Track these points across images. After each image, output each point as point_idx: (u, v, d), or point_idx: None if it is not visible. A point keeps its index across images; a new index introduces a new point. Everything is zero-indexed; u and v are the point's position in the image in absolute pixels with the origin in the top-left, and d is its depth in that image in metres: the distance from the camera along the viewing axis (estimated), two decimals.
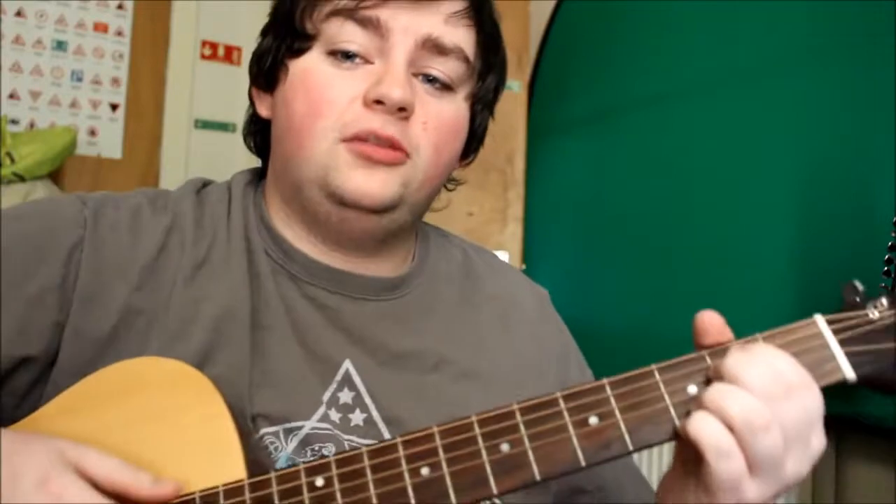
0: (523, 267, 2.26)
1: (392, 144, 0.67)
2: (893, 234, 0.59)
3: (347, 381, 0.70)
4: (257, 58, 0.75)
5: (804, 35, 1.59)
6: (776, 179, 1.60)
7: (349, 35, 0.68)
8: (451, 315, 0.77)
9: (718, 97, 1.78)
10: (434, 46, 0.69)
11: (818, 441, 0.54)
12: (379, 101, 0.66)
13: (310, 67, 0.69)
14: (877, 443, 1.48)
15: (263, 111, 0.76)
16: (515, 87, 2.21)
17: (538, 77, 2.42)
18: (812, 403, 0.53)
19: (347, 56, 0.68)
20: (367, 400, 0.70)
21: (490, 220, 2.20)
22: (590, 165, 2.20)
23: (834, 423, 1.57)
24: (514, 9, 2.21)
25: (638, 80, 2.04)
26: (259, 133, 0.79)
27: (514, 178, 2.20)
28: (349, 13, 0.68)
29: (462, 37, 0.71)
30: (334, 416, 0.68)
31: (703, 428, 0.51)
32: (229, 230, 0.72)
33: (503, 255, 2.15)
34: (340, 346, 0.71)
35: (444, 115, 0.70)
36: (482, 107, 0.77)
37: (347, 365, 0.70)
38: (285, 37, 0.71)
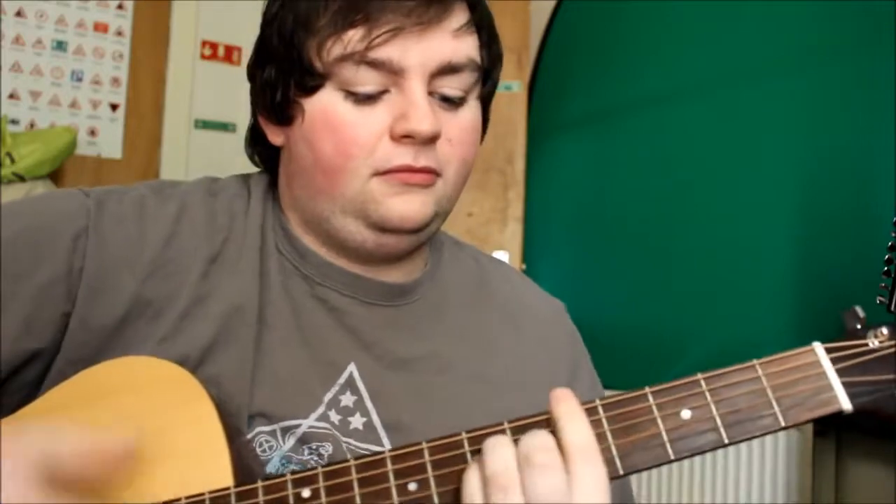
0: (523, 267, 2.26)
1: (425, 169, 0.68)
2: (893, 234, 0.59)
3: (351, 385, 0.70)
4: (262, 88, 0.72)
5: (804, 35, 1.59)
6: (776, 179, 1.60)
7: (364, 79, 0.67)
8: (460, 318, 0.78)
9: (718, 97, 1.78)
10: (448, 68, 0.69)
11: None
12: (408, 136, 0.67)
13: (328, 108, 0.68)
14: (877, 443, 1.48)
15: (276, 140, 0.74)
16: (515, 87, 2.21)
17: (538, 77, 2.42)
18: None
19: (368, 97, 0.68)
20: (369, 405, 0.70)
21: (490, 220, 2.21)
22: (590, 165, 2.20)
23: (834, 423, 1.57)
24: (514, 9, 2.22)
25: (638, 80, 2.04)
26: (262, 146, 0.77)
27: (514, 178, 2.21)
28: (361, 56, 0.66)
29: (470, 46, 0.70)
30: (334, 417, 0.68)
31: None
32: (246, 227, 0.72)
33: (503, 255, 2.15)
34: (347, 349, 0.71)
35: (464, 126, 0.71)
36: (489, 96, 0.77)
37: (352, 368, 0.70)
38: (291, 72, 0.69)
